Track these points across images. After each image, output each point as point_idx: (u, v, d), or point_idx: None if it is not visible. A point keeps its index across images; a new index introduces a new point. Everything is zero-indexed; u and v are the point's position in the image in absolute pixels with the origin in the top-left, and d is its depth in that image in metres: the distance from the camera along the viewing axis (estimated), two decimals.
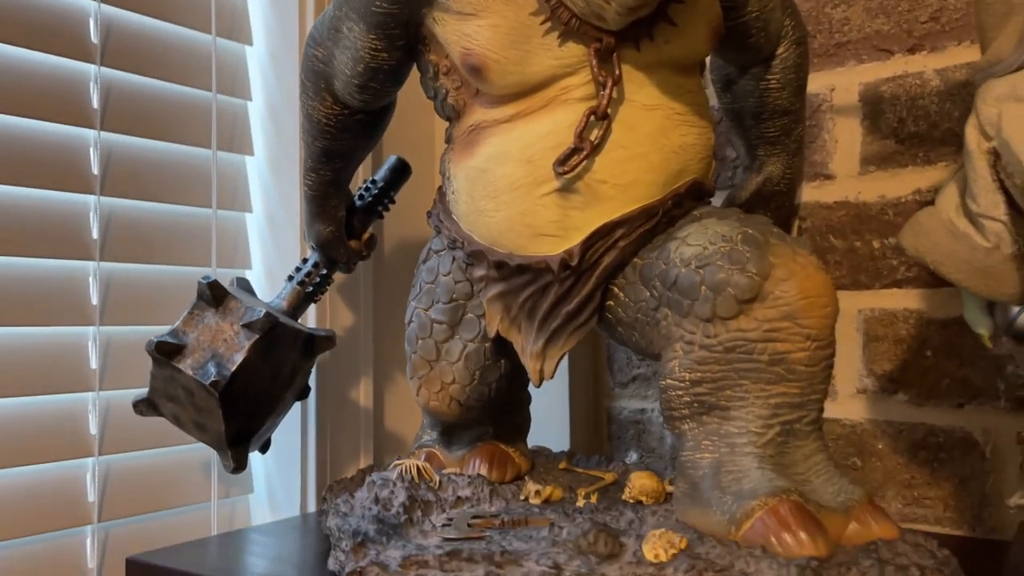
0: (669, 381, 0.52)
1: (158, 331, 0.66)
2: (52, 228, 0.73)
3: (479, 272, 0.59)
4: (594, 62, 0.53)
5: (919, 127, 0.75)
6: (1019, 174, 0.46)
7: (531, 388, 0.69)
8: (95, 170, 0.75)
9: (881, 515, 0.48)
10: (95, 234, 0.75)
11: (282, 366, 0.69)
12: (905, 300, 0.75)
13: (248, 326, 0.65)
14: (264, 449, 0.74)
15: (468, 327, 0.62)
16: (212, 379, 0.63)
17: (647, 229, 0.55)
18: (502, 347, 0.61)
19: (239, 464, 0.68)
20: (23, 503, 0.70)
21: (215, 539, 0.73)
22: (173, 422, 0.69)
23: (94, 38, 0.75)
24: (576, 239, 0.55)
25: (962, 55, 0.73)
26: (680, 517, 0.52)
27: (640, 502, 0.60)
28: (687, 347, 0.51)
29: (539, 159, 0.54)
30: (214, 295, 0.65)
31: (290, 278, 0.74)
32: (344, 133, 0.66)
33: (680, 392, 0.51)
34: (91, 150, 0.75)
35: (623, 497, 0.61)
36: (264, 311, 0.65)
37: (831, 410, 0.78)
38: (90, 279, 0.75)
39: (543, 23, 0.53)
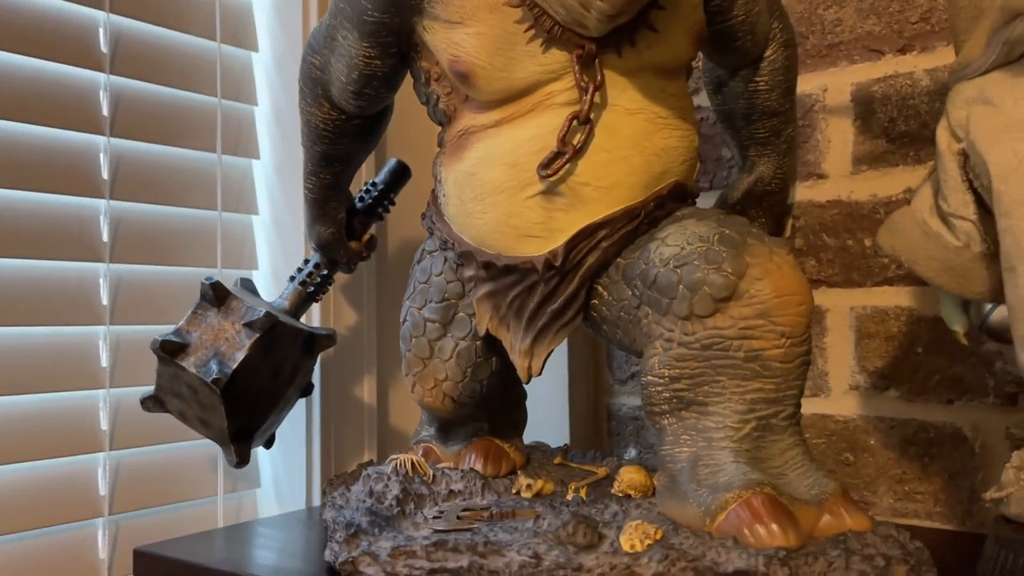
0: (650, 377, 0.53)
1: (165, 330, 0.68)
2: (64, 231, 0.75)
3: (469, 272, 0.61)
4: (576, 68, 0.55)
5: (909, 126, 0.76)
6: (985, 175, 0.47)
7: (533, 385, 0.70)
8: (105, 175, 0.78)
9: (854, 507, 0.50)
10: (105, 237, 0.77)
11: (283, 364, 0.71)
12: (896, 298, 0.76)
13: (249, 325, 0.67)
14: (268, 445, 0.77)
15: (460, 326, 0.64)
16: (214, 376, 0.65)
17: (629, 230, 0.56)
18: (493, 345, 0.63)
19: (242, 459, 0.70)
20: (37, 496, 0.72)
21: (221, 531, 0.75)
22: (179, 418, 0.71)
23: (103, 47, 0.78)
24: (560, 240, 0.56)
25: (952, 55, 0.73)
26: (661, 509, 0.54)
27: (628, 496, 0.61)
28: (666, 344, 0.52)
29: (524, 163, 0.56)
30: (216, 295, 0.68)
31: (292, 278, 0.76)
32: (342, 138, 0.68)
33: (660, 388, 0.53)
34: (101, 156, 0.78)
35: (612, 491, 0.63)
36: (264, 310, 0.67)
37: (825, 406, 0.79)
38: (100, 280, 0.77)
39: (527, 31, 0.55)
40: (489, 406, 0.68)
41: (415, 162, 0.81)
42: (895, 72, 0.77)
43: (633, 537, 0.48)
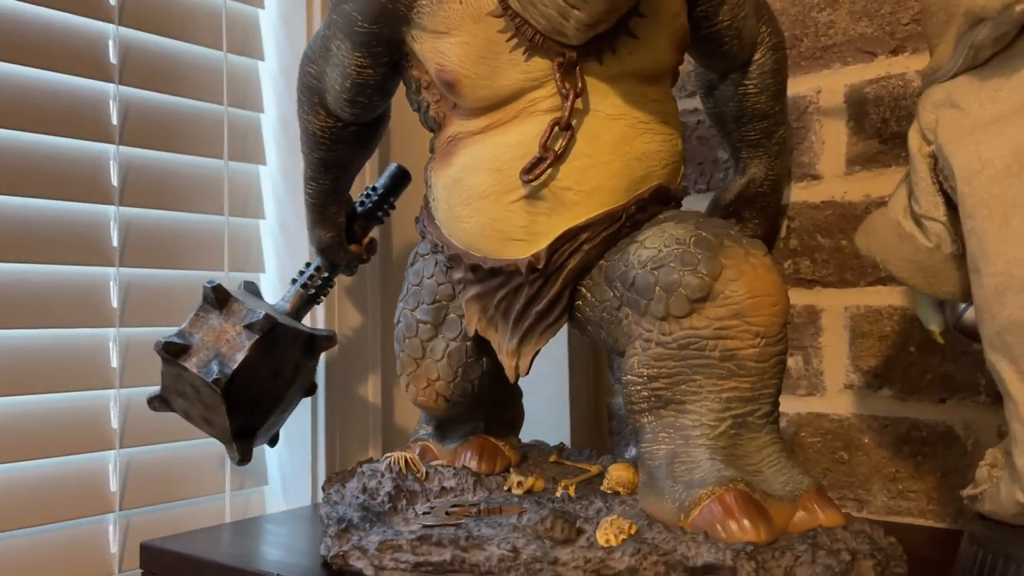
0: (630, 376, 0.55)
1: (170, 332, 0.71)
2: (75, 237, 0.78)
3: (457, 275, 0.63)
4: (558, 75, 0.56)
5: (902, 127, 0.76)
6: (952, 177, 0.47)
7: (534, 385, 0.71)
8: (115, 182, 0.80)
9: (828, 504, 0.50)
10: (115, 242, 0.80)
11: (284, 364, 0.73)
12: (890, 297, 0.77)
13: (249, 327, 0.69)
14: (272, 443, 0.79)
15: (450, 327, 0.66)
16: (215, 376, 0.67)
17: (611, 233, 0.58)
18: (483, 345, 0.65)
19: (244, 457, 0.72)
20: (50, 493, 0.75)
21: (227, 526, 0.77)
22: (184, 417, 0.73)
23: (112, 58, 0.80)
24: (543, 243, 0.58)
25: None
26: (641, 506, 0.55)
27: (617, 492, 0.62)
28: (645, 344, 0.54)
29: (507, 168, 0.57)
30: (218, 298, 0.70)
31: (294, 281, 0.78)
32: (339, 144, 0.70)
33: (639, 387, 0.54)
34: (111, 163, 0.80)
35: (602, 488, 0.64)
36: (264, 313, 0.69)
37: (820, 405, 0.80)
38: (110, 284, 0.80)
39: (509, 40, 0.56)
40: (482, 405, 0.69)
41: (416, 167, 0.82)
42: (888, 73, 0.77)
43: (608, 532, 0.49)
